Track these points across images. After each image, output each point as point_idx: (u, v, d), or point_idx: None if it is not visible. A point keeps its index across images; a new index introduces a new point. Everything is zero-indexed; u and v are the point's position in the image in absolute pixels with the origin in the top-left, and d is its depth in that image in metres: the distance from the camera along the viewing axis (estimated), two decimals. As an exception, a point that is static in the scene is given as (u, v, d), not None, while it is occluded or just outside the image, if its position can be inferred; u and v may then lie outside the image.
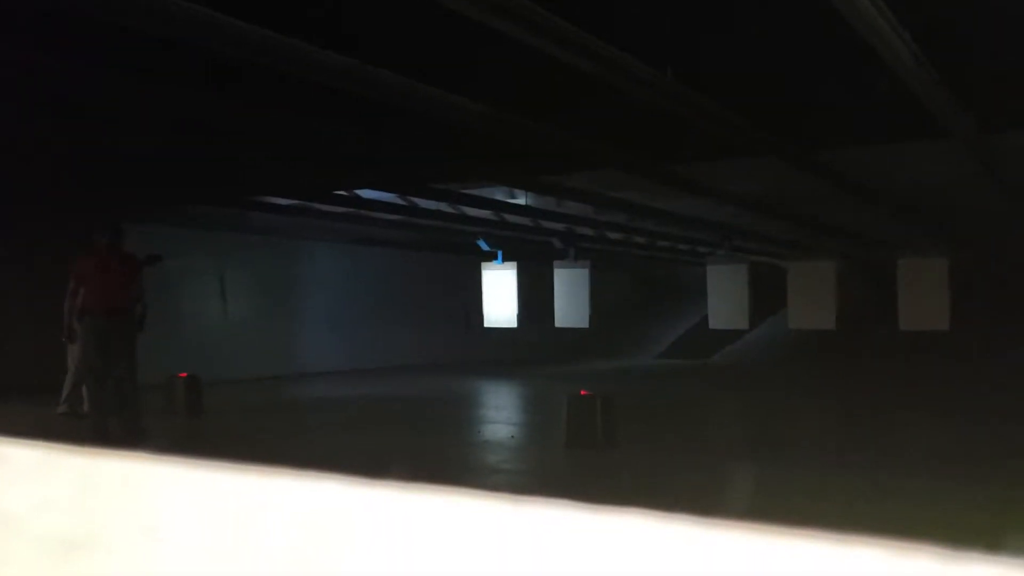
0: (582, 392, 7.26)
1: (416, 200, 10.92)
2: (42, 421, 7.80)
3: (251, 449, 6.69)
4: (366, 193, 10.52)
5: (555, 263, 14.37)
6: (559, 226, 13.08)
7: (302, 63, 5.03)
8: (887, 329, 13.19)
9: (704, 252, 15.06)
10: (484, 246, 14.18)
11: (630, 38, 4.91)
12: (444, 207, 11.42)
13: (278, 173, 9.33)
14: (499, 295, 14.52)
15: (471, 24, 4.29)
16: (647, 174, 8.26)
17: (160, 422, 8.02)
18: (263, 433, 8.19)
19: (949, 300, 11.94)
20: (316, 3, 5.05)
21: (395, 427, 9.07)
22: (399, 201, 11.01)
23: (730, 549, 0.41)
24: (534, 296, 14.62)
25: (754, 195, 10.04)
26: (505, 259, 14.67)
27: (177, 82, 5.86)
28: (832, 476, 6.05)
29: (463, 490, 0.49)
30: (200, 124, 7.17)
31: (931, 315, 12.02)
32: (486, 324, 14.89)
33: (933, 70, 5.14)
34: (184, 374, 9.22)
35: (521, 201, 11.05)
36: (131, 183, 9.51)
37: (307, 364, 14.27)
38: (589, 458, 6.78)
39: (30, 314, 9.86)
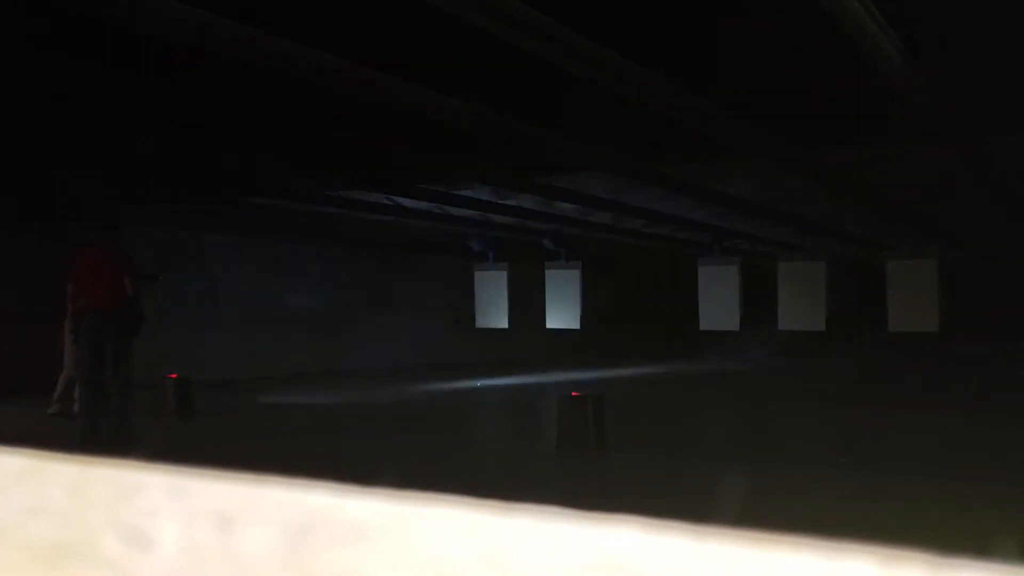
0: (573, 393, 7.25)
1: (405, 200, 10.91)
2: (32, 421, 7.74)
3: (246, 457, 6.65)
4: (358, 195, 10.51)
5: (546, 264, 14.31)
6: (550, 227, 13.07)
7: (293, 64, 5.02)
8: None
9: (693, 252, 15.03)
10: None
11: (622, 39, 4.91)
12: (434, 208, 11.41)
13: (270, 173, 9.31)
14: (491, 296, 14.48)
15: (461, 24, 4.30)
16: (638, 174, 8.27)
17: (150, 426, 7.67)
18: (257, 438, 8.05)
19: (939, 301, 11.94)
20: (307, 5, 5.04)
21: (384, 429, 9.05)
22: (387, 201, 11.00)
23: (723, 557, 0.41)
24: (523, 297, 14.59)
25: (744, 195, 10.06)
26: (495, 260, 14.63)
27: (172, 82, 5.85)
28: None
29: (455, 497, 0.48)
30: (192, 124, 7.15)
31: (920, 317, 12.02)
32: (477, 325, 14.85)
33: (923, 72, 5.17)
34: (175, 375, 8.99)
35: (511, 202, 11.05)
36: (126, 182, 9.48)
37: (298, 365, 14.22)
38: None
39: (23, 315, 9.80)
